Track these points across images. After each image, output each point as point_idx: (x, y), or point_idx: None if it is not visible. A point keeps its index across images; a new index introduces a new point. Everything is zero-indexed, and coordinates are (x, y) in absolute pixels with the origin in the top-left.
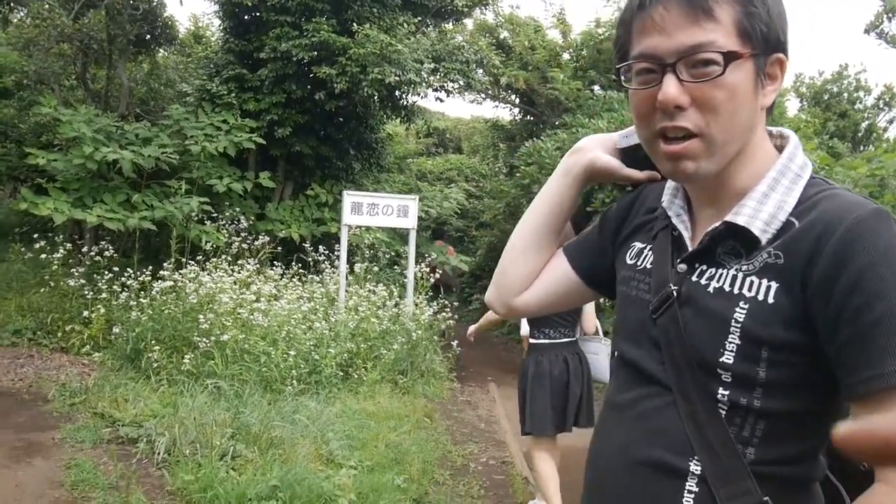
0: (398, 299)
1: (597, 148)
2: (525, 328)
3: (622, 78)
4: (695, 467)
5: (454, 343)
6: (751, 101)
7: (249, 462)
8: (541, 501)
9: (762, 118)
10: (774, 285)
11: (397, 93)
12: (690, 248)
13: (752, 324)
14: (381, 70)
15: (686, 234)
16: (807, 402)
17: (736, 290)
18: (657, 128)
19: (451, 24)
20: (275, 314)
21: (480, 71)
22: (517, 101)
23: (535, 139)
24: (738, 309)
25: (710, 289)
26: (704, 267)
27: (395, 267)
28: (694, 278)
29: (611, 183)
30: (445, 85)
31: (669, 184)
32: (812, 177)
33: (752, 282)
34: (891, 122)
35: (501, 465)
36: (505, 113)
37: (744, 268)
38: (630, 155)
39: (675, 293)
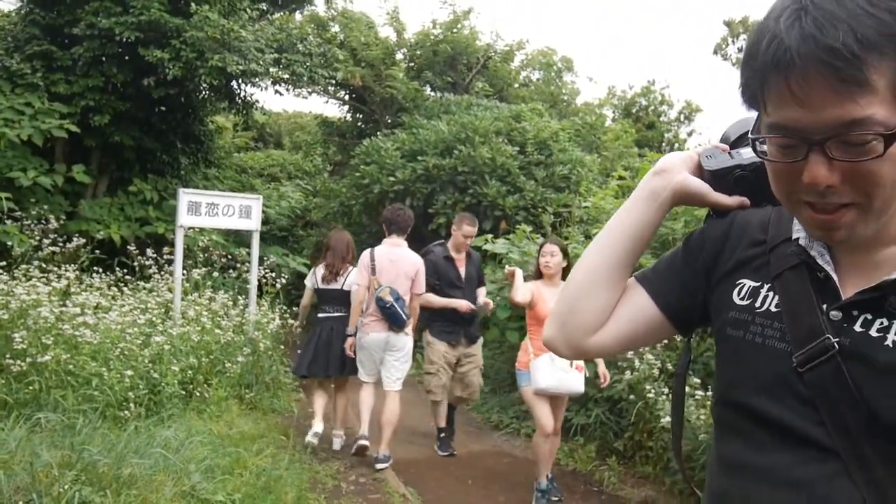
0: (242, 307)
1: (683, 169)
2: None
3: (752, 134)
4: None
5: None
6: None
7: None
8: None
9: None
10: None
11: (234, 83)
12: (844, 295)
13: None
14: (221, 57)
15: (834, 277)
16: None
17: None
18: (802, 199)
19: (285, 13)
20: (106, 329)
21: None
22: (346, 97)
23: (371, 138)
24: None
25: (889, 342)
26: (869, 316)
27: (231, 272)
28: (857, 328)
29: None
30: (287, 77)
31: (785, 215)
32: None
33: None
34: (690, 134)
35: (374, 482)
36: (334, 110)
37: None
38: (719, 178)
39: (836, 345)
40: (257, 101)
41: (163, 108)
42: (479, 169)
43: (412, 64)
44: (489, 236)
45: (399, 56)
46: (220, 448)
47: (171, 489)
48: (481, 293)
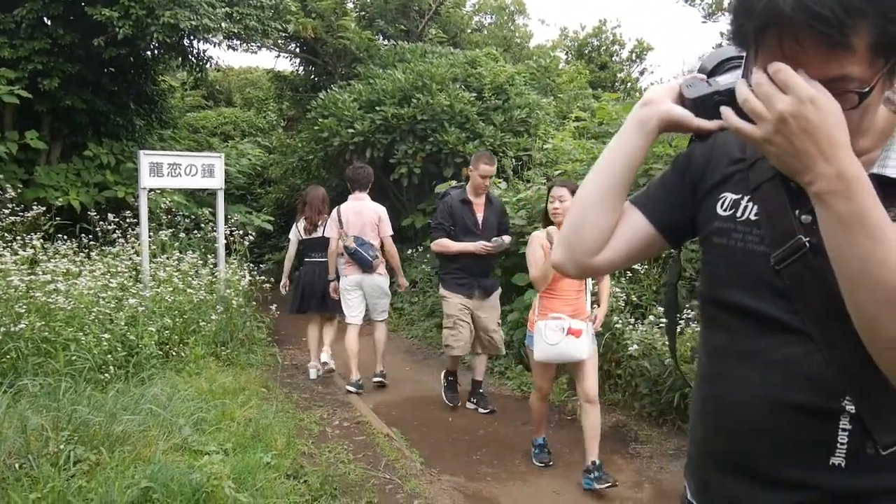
0: (211, 266)
1: (667, 99)
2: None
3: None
4: (849, 407)
5: (273, 307)
6: (878, 102)
7: (98, 466)
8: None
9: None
10: None
11: (187, 40)
12: None
13: None
14: (172, 13)
15: None
16: None
17: None
18: None
19: None
20: (79, 294)
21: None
22: (298, 50)
23: (327, 90)
24: None
25: None
26: None
27: (196, 232)
28: None
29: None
30: (240, 32)
31: None
32: None
33: None
34: (642, 73)
35: (357, 424)
36: (285, 64)
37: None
38: (699, 105)
39: (807, 243)
40: (211, 57)
41: (112, 69)
42: (437, 116)
43: (363, 13)
44: (452, 182)
45: (349, 6)
46: (205, 402)
47: (165, 443)
48: (505, 240)
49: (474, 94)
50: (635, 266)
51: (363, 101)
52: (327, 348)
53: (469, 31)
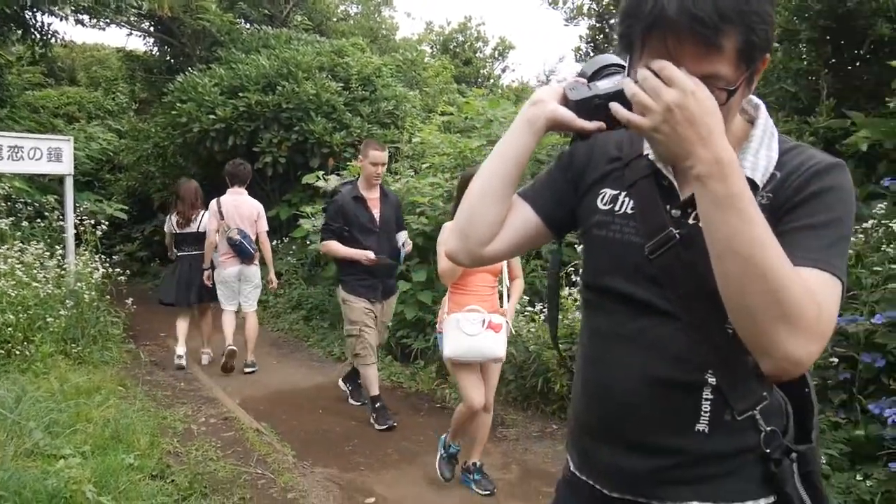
0: (59, 258)
1: (553, 100)
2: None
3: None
4: (711, 379)
5: (129, 301)
6: (737, 107)
7: None
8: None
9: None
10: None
11: (29, 12)
12: (683, 196)
13: None
14: None
15: (675, 183)
16: None
17: None
18: None
19: None
20: None
21: None
22: (152, 29)
23: (185, 73)
24: None
25: None
26: None
27: (39, 221)
28: (691, 221)
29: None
30: (90, 6)
31: (635, 136)
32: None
33: None
34: (503, 70)
35: (224, 420)
36: (137, 43)
37: None
38: (581, 106)
39: (676, 235)
40: (56, 31)
41: None
42: (304, 105)
43: None
44: (320, 173)
45: None
46: (57, 404)
47: (13, 448)
48: (401, 238)
49: (341, 85)
50: None
51: (225, 86)
52: (207, 340)
53: (335, 19)
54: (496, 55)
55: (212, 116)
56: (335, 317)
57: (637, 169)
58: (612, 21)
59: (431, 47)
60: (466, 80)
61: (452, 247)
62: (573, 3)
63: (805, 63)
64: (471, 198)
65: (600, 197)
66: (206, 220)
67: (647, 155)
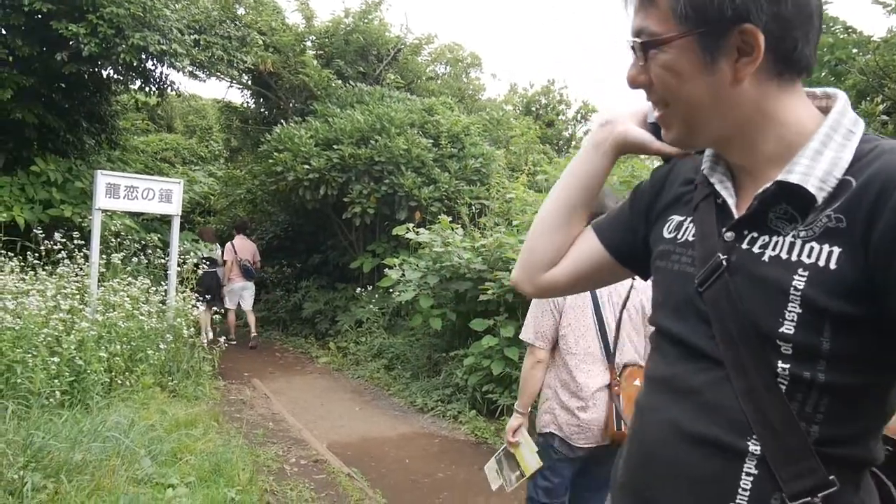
0: (163, 294)
1: (628, 121)
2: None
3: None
4: (753, 447)
5: (222, 339)
6: (699, 78)
7: (57, 495)
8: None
9: (766, 89)
10: (837, 250)
11: (151, 63)
12: (737, 216)
13: (813, 291)
14: (142, 36)
15: (731, 201)
16: (874, 376)
17: (794, 258)
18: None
19: None
20: (29, 314)
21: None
22: (250, 83)
23: (282, 124)
24: (796, 277)
25: (766, 257)
26: (755, 234)
27: (142, 257)
28: (744, 246)
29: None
30: (206, 60)
31: (709, 152)
32: (866, 133)
33: (811, 248)
34: (586, 133)
35: (315, 463)
36: (235, 94)
37: (801, 234)
38: (659, 128)
39: (724, 262)
40: (173, 82)
41: (62, 85)
42: (395, 159)
43: (321, 52)
44: (410, 225)
45: (309, 43)
46: (160, 434)
47: (125, 473)
48: None
49: (431, 141)
50: None
51: (320, 138)
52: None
53: (425, 78)
54: (579, 118)
55: (306, 166)
56: (417, 367)
57: (701, 189)
58: None
59: (514, 108)
60: (549, 142)
61: (515, 275)
62: None
63: None
64: (534, 224)
65: (667, 225)
66: (219, 252)
67: (704, 169)
